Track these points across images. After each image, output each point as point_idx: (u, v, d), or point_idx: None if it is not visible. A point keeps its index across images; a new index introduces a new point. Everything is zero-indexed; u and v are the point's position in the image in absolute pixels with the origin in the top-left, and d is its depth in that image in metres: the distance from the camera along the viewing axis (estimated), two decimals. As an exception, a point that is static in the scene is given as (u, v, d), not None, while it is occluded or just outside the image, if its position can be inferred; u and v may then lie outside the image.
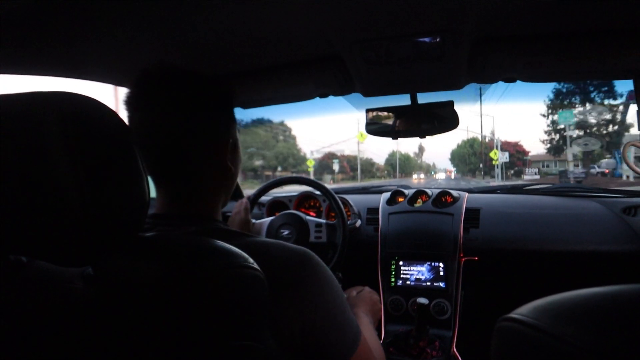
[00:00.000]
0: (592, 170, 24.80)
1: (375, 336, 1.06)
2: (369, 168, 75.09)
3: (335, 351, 0.72)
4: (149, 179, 0.74)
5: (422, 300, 1.40)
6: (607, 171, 23.08)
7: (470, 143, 62.30)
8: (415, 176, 70.97)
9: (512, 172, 41.05)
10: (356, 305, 1.22)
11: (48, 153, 0.45)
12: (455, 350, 1.59)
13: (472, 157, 61.00)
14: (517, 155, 43.09)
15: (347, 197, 2.07)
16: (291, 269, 0.70)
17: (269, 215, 1.93)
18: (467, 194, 2.01)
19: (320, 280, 0.73)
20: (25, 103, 0.48)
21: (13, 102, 0.48)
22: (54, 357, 0.56)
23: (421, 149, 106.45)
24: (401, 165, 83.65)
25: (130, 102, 0.74)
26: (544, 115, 31.75)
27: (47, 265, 0.62)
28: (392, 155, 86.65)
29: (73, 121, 0.48)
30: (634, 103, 1.30)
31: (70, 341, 0.56)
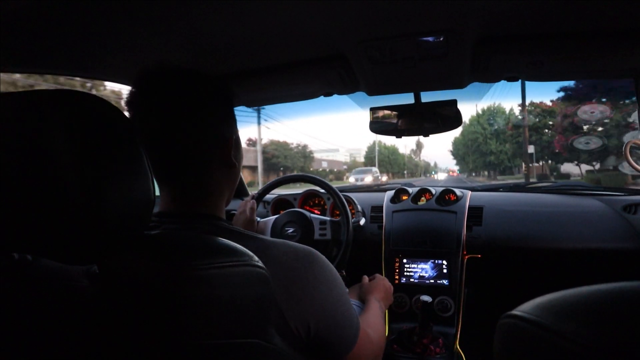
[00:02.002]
0: None
1: (381, 321, 1.15)
2: (297, 163, 43.12)
3: (337, 347, 0.76)
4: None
5: (426, 297, 1.40)
6: None
7: (488, 118, 37.65)
8: (359, 176, 32.02)
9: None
10: (369, 292, 1.32)
11: (53, 151, 0.46)
12: (458, 347, 1.60)
13: (492, 140, 36.66)
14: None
15: (352, 195, 2.07)
16: (298, 268, 0.71)
17: (273, 214, 1.93)
18: (470, 192, 2.02)
19: (327, 280, 0.75)
20: (29, 101, 0.48)
21: (18, 100, 0.48)
22: (59, 355, 0.56)
23: (419, 146, 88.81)
24: (385, 162, 63.02)
25: (131, 102, 0.75)
26: None
27: (52, 263, 0.62)
28: (372, 148, 62.94)
29: (77, 119, 0.48)
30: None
31: (76, 339, 0.56)
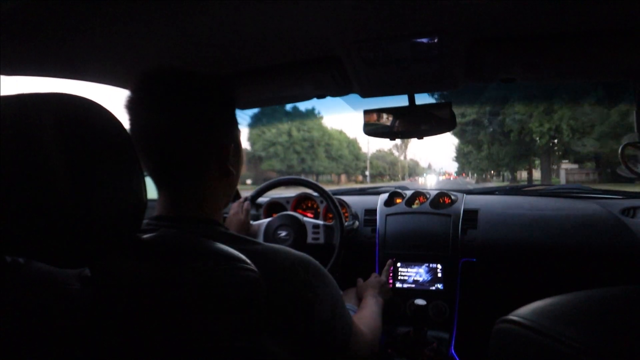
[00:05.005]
0: None
1: (376, 316, 1.20)
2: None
3: (331, 348, 0.79)
4: (151, 180, 0.74)
5: (420, 301, 1.40)
6: None
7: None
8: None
9: None
10: (365, 291, 1.41)
11: (44, 154, 0.46)
12: (453, 351, 1.59)
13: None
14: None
15: (345, 198, 2.07)
16: (296, 274, 0.73)
17: (266, 217, 1.92)
18: (465, 195, 2.02)
19: (323, 285, 0.78)
20: (21, 104, 0.48)
21: (9, 103, 0.48)
22: (51, 358, 0.56)
23: (405, 141, 62.30)
24: (298, 153, 34.16)
25: (130, 106, 0.74)
26: None
27: (45, 266, 0.62)
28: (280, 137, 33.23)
29: (69, 122, 0.48)
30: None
31: (68, 342, 0.56)
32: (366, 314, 1.17)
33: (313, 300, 0.73)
